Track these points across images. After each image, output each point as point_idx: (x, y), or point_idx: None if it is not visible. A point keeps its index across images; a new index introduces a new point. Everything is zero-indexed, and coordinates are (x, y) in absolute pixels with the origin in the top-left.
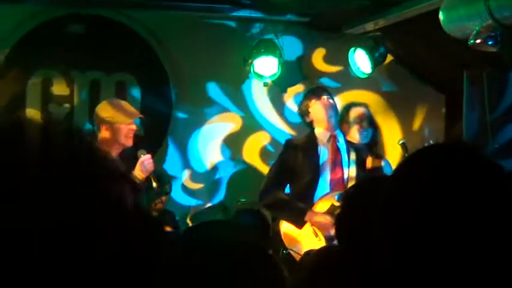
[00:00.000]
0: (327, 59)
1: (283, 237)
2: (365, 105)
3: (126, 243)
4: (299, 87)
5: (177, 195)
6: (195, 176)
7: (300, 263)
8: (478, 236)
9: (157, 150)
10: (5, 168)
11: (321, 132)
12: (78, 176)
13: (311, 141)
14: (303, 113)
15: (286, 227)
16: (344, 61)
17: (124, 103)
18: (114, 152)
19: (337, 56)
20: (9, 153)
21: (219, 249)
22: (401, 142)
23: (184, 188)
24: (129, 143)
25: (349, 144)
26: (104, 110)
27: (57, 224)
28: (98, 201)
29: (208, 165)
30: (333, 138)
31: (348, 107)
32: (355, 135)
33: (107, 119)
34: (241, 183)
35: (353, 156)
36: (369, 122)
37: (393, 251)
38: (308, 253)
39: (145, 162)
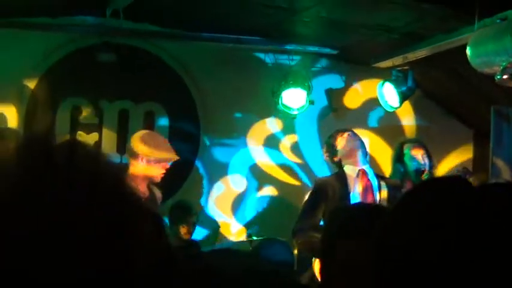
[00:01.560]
0: (356, 92)
1: (317, 275)
2: (419, 140)
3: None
4: (327, 120)
5: (204, 224)
6: (221, 206)
7: None
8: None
9: (185, 179)
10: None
11: (349, 168)
12: (100, 206)
13: (340, 177)
14: (330, 153)
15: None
16: (372, 94)
17: (163, 140)
18: (142, 186)
19: (366, 89)
20: (35, 172)
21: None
22: (427, 176)
23: (211, 218)
24: (159, 180)
25: (380, 180)
26: (141, 144)
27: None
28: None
29: (235, 195)
30: (362, 172)
31: (401, 145)
32: (413, 173)
33: (143, 154)
34: (267, 215)
35: (384, 194)
36: (427, 157)
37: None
38: None
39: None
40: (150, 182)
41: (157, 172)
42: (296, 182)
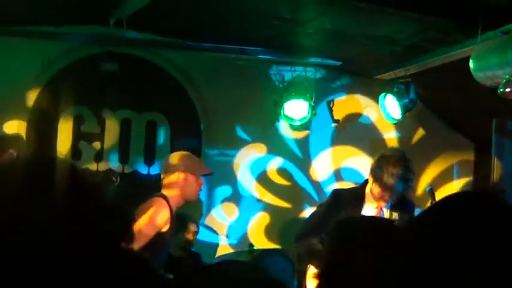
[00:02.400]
0: (358, 104)
1: (307, 281)
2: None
3: None
4: (329, 131)
5: (203, 234)
6: (221, 216)
7: None
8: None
9: None
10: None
11: (370, 195)
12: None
13: (358, 200)
14: (370, 167)
15: (312, 273)
16: (374, 106)
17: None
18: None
19: (368, 100)
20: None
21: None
22: (428, 188)
23: (210, 228)
24: (195, 198)
25: (393, 209)
26: (181, 160)
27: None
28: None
29: (236, 205)
30: (378, 210)
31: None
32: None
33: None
34: (269, 225)
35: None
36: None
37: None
38: None
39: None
40: (186, 199)
41: (195, 190)
42: (298, 193)
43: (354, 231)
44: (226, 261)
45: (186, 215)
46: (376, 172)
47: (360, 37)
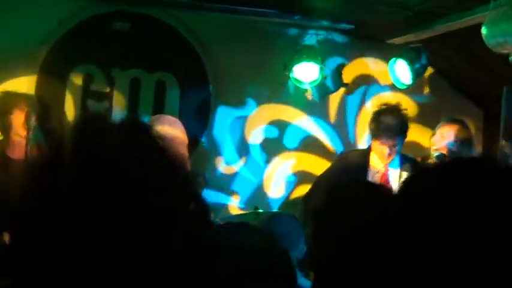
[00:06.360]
0: (368, 68)
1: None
2: (461, 122)
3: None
4: (338, 95)
5: (210, 194)
6: (229, 176)
7: None
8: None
9: (194, 150)
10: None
11: (375, 158)
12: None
13: (363, 163)
14: (369, 130)
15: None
16: (384, 71)
17: None
18: None
19: (379, 65)
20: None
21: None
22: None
23: (217, 187)
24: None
25: (407, 166)
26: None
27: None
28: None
29: (244, 166)
30: (385, 168)
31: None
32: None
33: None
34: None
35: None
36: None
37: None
38: None
39: None
40: None
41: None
42: (307, 156)
43: (344, 195)
44: (241, 225)
45: (193, 169)
46: (372, 128)
47: (374, 2)
